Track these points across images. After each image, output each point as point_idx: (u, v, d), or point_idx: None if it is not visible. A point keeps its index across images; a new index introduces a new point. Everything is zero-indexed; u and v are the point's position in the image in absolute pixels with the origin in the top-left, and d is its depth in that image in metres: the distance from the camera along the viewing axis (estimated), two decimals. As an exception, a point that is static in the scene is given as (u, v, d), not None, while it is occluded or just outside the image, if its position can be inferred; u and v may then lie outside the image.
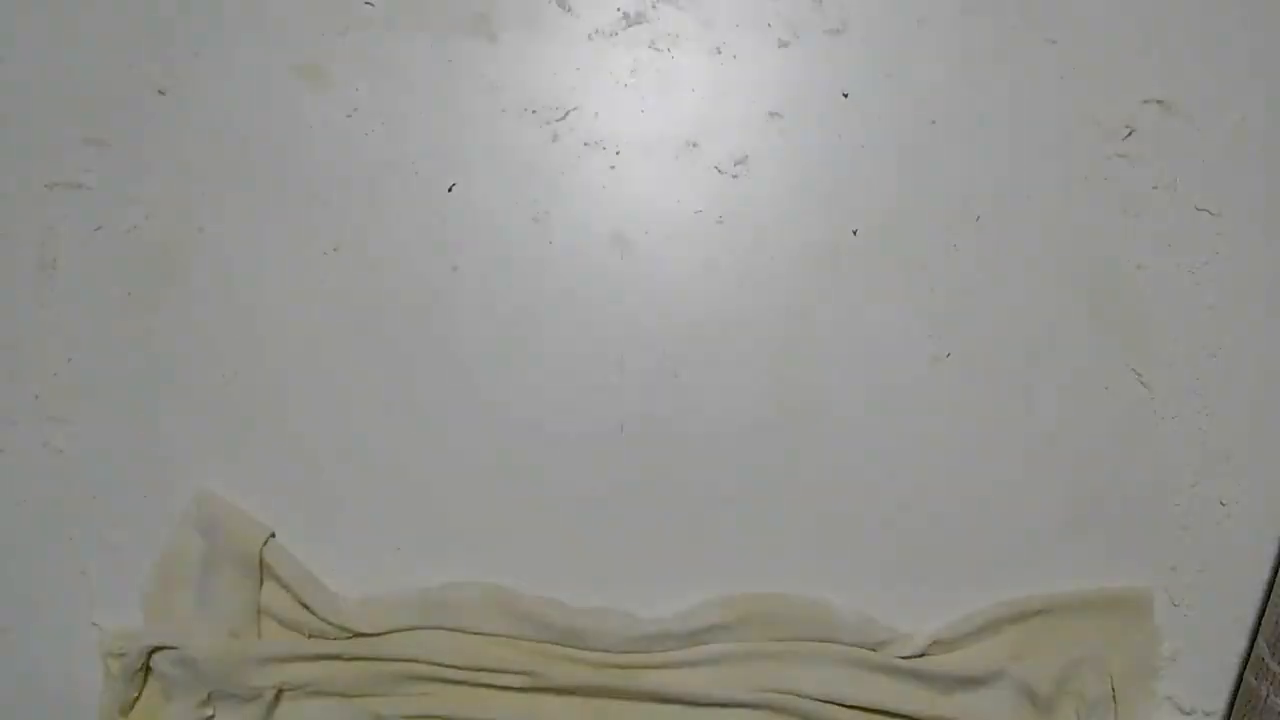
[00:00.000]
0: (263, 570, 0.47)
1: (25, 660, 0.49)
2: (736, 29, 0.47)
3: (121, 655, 0.47)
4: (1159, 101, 0.48)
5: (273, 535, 0.47)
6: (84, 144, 0.49)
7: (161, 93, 0.49)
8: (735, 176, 0.47)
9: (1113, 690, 0.47)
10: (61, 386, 0.49)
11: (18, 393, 0.49)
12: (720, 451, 0.48)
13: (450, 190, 0.47)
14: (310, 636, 0.46)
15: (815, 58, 0.47)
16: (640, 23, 0.46)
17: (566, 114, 0.47)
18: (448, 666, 0.46)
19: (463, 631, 0.46)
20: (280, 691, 0.46)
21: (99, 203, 0.49)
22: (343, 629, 0.46)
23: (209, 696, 0.46)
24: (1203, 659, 0.49)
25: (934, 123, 0.48)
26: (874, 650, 0.47)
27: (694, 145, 0.47)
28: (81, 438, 0.49)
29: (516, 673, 0.46)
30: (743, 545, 0.48)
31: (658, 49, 0.47)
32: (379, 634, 0.46)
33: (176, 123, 0.49)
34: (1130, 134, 0.48)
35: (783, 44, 0.47)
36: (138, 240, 0.49)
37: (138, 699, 0.47)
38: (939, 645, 0.47)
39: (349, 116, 0.48)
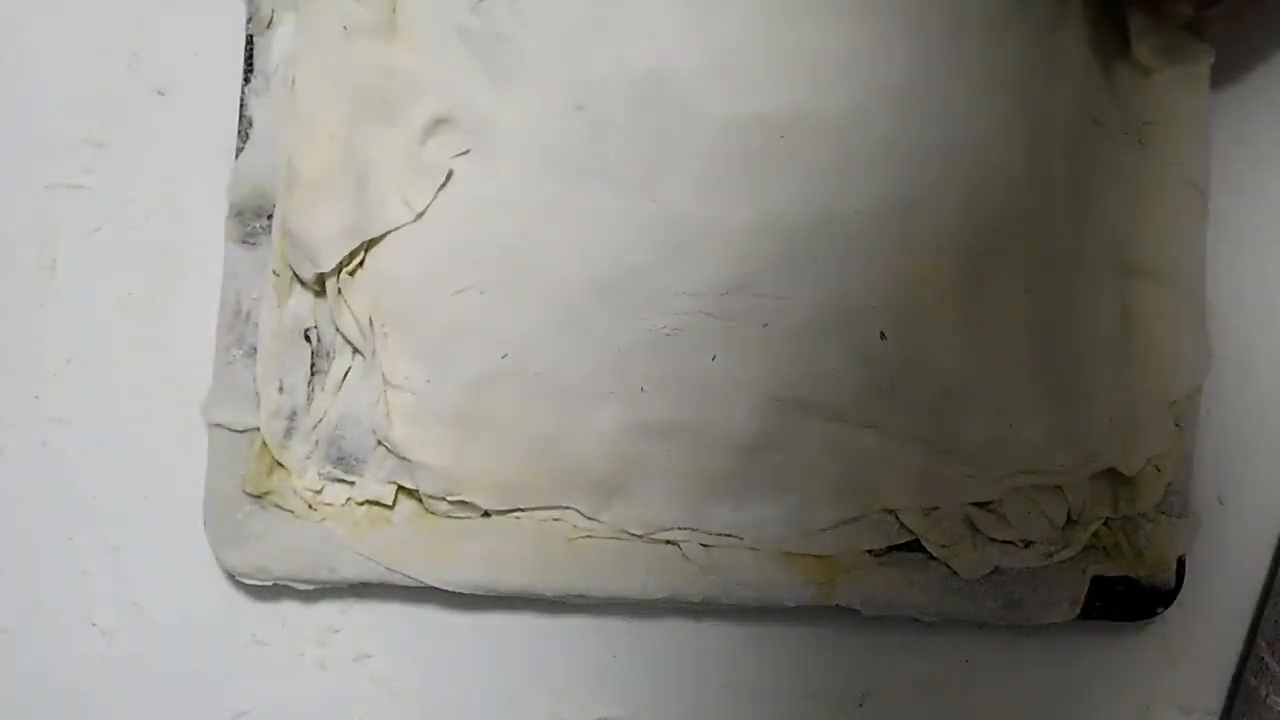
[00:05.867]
0: None
1: (25, 660, 0.49)
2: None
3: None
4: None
5: None
6: (84, 144, 0.49)
7: (161, 93, 0.49)
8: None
9: None
10: (61, 386, 0.49)
11: (18, 393, 0.49)
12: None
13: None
14: None
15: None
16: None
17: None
18: None
19: None
20: None
21: (99, 203, 0.49)
22: None
23: None
24: (1203, 659, 0.50)
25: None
26: None
27: None
28: (81, 438, 0.49)
29: None
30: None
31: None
32: None
33: (176, 123, 0.49)
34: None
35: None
36: (138, 240, 0.49)
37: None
38: None
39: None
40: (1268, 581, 0.49)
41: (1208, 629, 0.49)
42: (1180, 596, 0.48)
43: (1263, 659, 0.47)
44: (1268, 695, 0.46)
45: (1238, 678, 0.49)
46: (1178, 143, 0.46)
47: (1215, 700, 0.50)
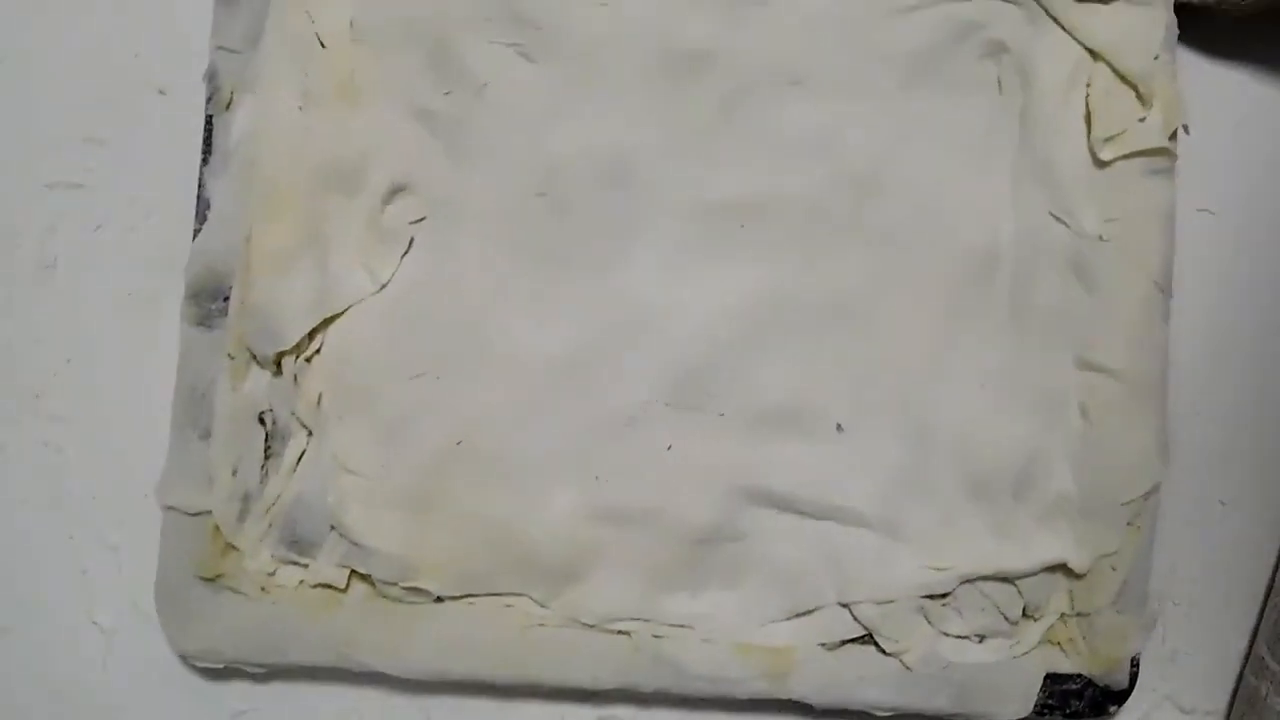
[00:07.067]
0: None
1: (25, 660, 0.49)
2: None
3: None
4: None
5: None
6: (84, 144, 0.49)
7: (161, 93, 0.49)
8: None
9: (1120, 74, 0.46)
10: (61, 386, 0.49)
11: (18, 393, 0.49)
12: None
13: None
14: None
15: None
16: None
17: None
18: None
19: None
20: None
21: (99, 203, 0.49)
22: None
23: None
24: (1203, 659, 0.50)
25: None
26: None
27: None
28: (81, 438, 0.49)
29: None
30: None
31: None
32: None
33: (176, 123, 0.49)
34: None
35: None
36: (138, 240, 0.49)
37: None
38: None
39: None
40: (1268, 581, 0.49)
41: (1208, 629, 0.49)
42: (1180, 596, 0.48)
43: (1263, 659, 0.47)
44: (1268, 695, 0.46)
45: (1238, 678, 0.49)
46: (1141, 240, 0.46)
47: (1216, 700, 0.50)
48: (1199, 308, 0.49)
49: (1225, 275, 0.49)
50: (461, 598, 0.46)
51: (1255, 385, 0.50)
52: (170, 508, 0.46)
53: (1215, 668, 0.50)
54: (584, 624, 0.46)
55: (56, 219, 0.49)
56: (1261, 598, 0.49)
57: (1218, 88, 0.49)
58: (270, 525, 0.46)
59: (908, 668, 0.46)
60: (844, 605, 0.46)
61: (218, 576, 0.45)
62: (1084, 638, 0.46)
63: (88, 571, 0.49)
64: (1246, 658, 0.49)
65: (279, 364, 0.45)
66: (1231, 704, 0.49)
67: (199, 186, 0.46)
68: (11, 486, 0.49)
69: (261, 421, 0.46)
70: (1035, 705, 0.46)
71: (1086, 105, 0.46)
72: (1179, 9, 0.46)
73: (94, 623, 0.49)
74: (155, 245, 0.49)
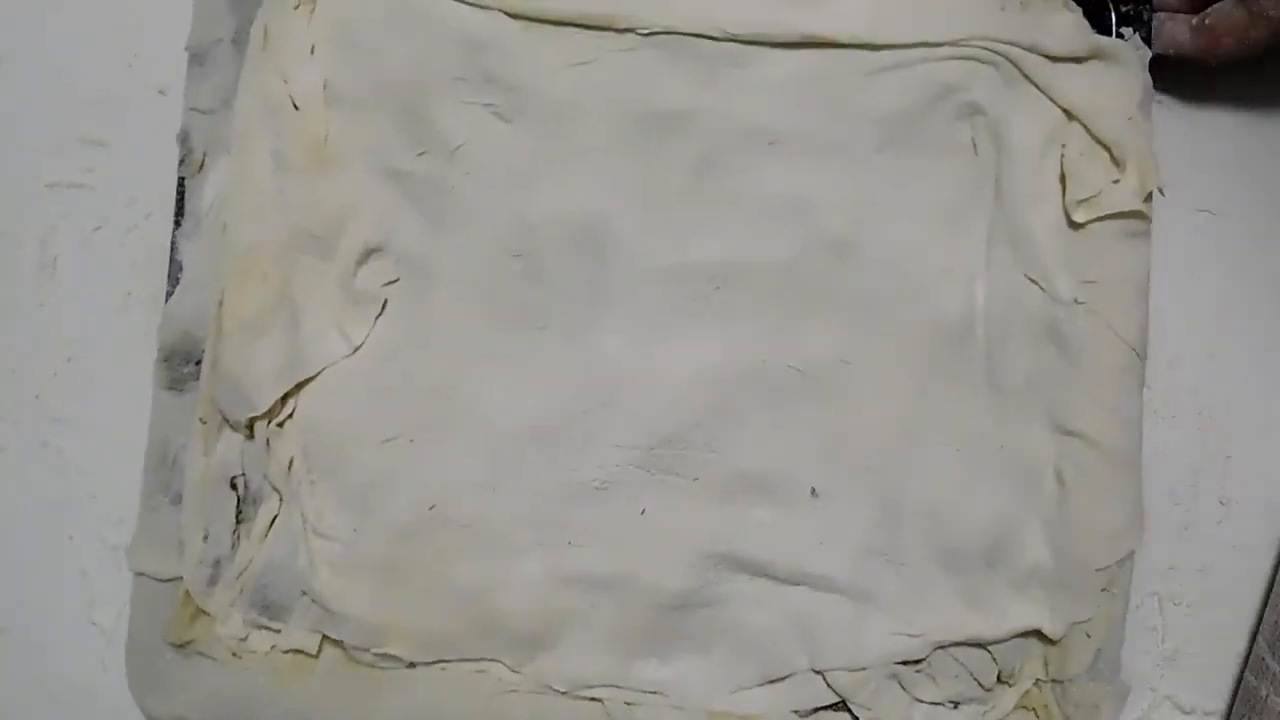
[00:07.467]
0: None
1: (25, 660, 0.49)
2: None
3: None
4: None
5: None
6: (84, 144, 0.49)
7: (161, 93, 0.49)
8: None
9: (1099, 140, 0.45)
10: (61, 386, 0.49)
11: (18, 393, 0.49)
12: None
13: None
14: None
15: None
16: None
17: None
18: None
19: None
20: None
21: (99, 203, 0.49)
22: None
23: None
24: (1203, 659, 0.49)
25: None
26: None
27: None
28: (81, 438, 0.49)
29: None
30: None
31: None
32: None
33: (176, 123, 0.49)
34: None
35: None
36: (138, 240, 0.49)
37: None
38: None
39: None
40: (1268, 581, 0.49)
41: (1208, 629, 0.49)
42: (1180, 596, 0.48)
43: (1263, 659, 0.47)
44: (1268, 695, 0.46)
45: (1238, 678, 0.49)
46: (1117, 304, 0.45)
47: (1216, 700, 0.50)
48: (1199, 307, 0.49)
49: (1225, 275, 0.49)
50: (433, 663, 0.45)
51: (1255, 384, 0.50)
52: (140, 574, 0.46)
53: (1215, 668, 0.50)
54: (556, 690, 0.45)
55: (56, 219, 0.49)
56: (1261, 598, 0.49)
57: (1218, 91, 0.49)
58: (241, 590, 0.45)
59: None
60: (817, 672, 0.46)
61: (188, 643, 0.45)
62: (1058, 705, 0.46)
63: (87, 571, 0.49)
64: (1246, 658, 0.49)
65: (251, 428, 0.45)
66: (1231, 704, 0.49)
67: (171, 249, 0.46)
68: (11, 486, 0.49)
69: (233, 486, 0.45)
70: None
71: (1061, 167, 0.46)
72: (1162, 58, 0.46)
73: (93, 623, 0.49)
74: (155, 245, 0.49)
